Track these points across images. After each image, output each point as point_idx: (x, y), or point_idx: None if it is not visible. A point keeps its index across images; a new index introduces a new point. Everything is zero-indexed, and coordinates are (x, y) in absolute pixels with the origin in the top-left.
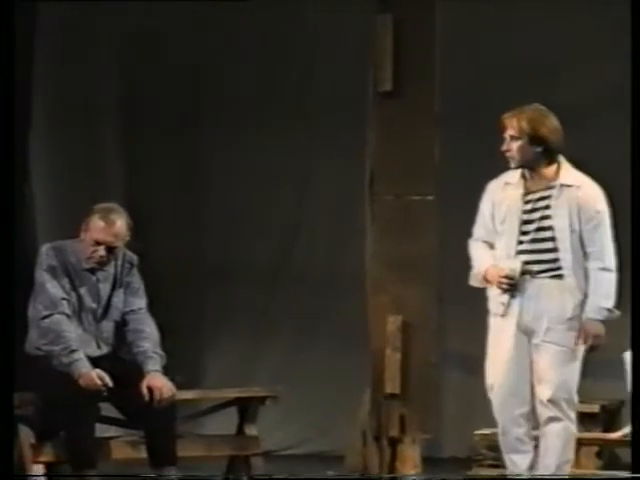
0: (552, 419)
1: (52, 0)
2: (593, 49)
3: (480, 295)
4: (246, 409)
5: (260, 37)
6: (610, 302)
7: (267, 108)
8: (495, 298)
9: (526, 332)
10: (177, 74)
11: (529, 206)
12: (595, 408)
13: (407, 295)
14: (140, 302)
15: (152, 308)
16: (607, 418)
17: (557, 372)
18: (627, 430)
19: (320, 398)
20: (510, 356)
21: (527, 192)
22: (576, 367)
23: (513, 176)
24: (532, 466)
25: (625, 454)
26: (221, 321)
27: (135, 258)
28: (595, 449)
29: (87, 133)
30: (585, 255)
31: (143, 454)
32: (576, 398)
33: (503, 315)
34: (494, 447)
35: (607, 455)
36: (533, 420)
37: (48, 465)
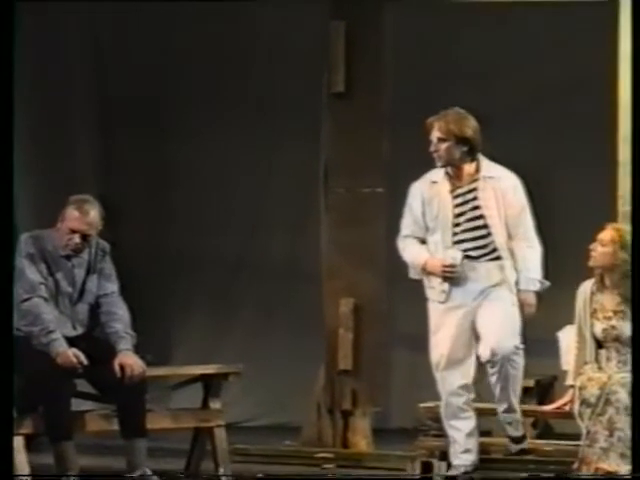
0: (499, 361)
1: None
2: (534, 51)
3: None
4: (210, 385)
5: (223, 40)
6: (539, 274)
7: (230, 107)
8: (436, 287)
9: (468, 312)
10: (145, 73)
11: (458, 200)
12: (530, 383)
13: (359, 280)
14: (112, 286)
15: (124, 292)
16: (541, 392)
17: (501, 327)
18: (560, 402)
19: (278, 374)
20: (454, 337)
21: (454, 188)
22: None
23: (437, 175)
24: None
25: (557, 425)
26: (188, 304)
27: (107, 246)
28: (531, 420)
29: (60, 130)
30: (510, 236)
31: (115, 426)
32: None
33: (444, 302)
34: (438, 418)
35: (542, 426)
36: (473, 391)
37: (27, 437)
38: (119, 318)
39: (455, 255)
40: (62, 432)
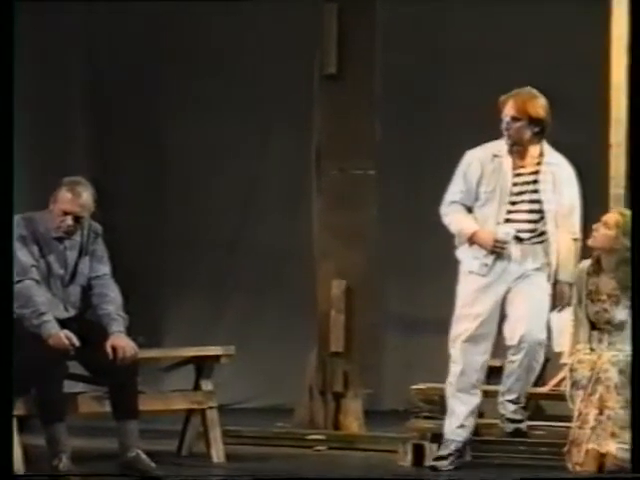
0: (525, 349)
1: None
2: (527, 34)
3: (418, 261)
4: (202, 367)
5: (215, 24)
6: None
7: (224, 90)
8: (479, 259)
9: (505, 291)
10: (139, 57)
11: (520, 179)
12: None
13: (351, 262)
14: (104, 268)
15: (116, 274)
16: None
17: (533, 317)
18: (555, 381)
19: (271, 357)
20: (487, 313)
21: (516, 166)
22: (546, 306)
23: (500, 149)
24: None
25: (548, 406)
26: (180, 287)
27: (100, 228)
28: None
29: (54, 117)
30: (557, 225)
31: (107, 408)
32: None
33: (484, 275)
34: (429, 400)
35: (533, 408)
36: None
37: (20, 419)
38: (111, 300)
39: (508, 231)
40: (54, 414)
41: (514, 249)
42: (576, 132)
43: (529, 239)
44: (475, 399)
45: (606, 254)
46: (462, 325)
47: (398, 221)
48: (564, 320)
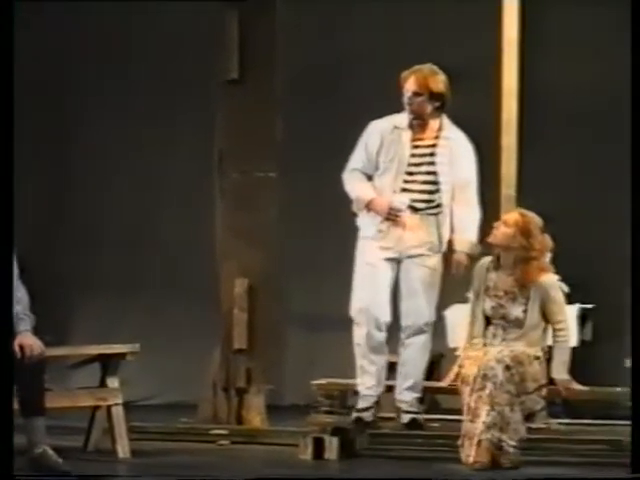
0: (418, 331)
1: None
2: (427, 36)
3: (319, 260)
4: (108, 364)
5: (118, 30)
6: (475, 237)
7: (128, 91)
8: (373, 225)
9: (400, 256)
10: (40, 59)
11: (418, 151)
12: None
13: (253, 261)
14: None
15: (22, 275)
16: (429, 369)
17: (425, 291)
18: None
19: (175, 354)
20: (382, 275)
21: (415, 139)
22: (437, 289)
23: (401, 121)
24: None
25: (442, 399)
26: (86, 285)
27: None
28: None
29: None
30: (454, 198)
31: (15, 405)
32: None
33: (378, 241)
34: (329, 395)
35: (428, 401)
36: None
37: None
38: (18, 300)
39: (403, 200)
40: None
41: (409, 218)
42: (469, 133)
43: (424, 209)
44: (383, 356)
45: (504, 251)
46: (363, 290)
47: (299, 221)
48: (458, 317)
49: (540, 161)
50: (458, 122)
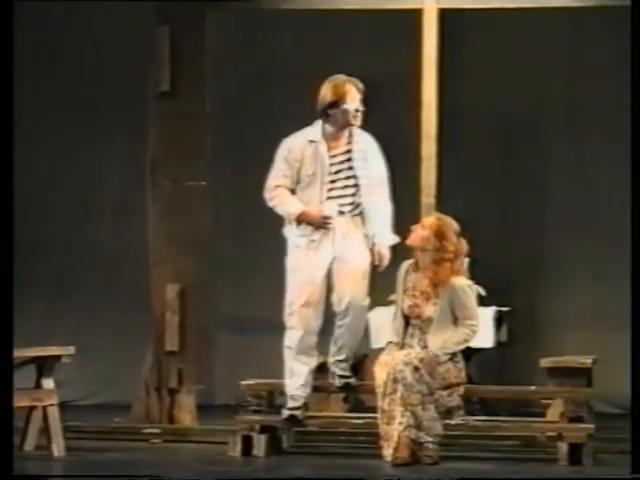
0: (350, 313)
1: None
2: (353, 51)
3: (249, 265)
4: (44, 366)
5: (51, 41)
6: (391, 230)
7: (63, 106)
8: (307, 235)
9: (332, 259)
10: None
11: (335, 159)
12: None
13: (184, 266)
14: None
15: None
16: (353, 369)
17: (357, 284)
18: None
19: (109, 356)
20: (318, 281)
21: (330, 148)
22: (367, 280)
23: (315, 135)
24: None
25: (367, 399)
26: (22, 288)
27: None
28: (342, 395)
29: None
30: (371, 196)
31: None
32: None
33: (312, 249)
34: (258, 395)
35: (352, 401)
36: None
37: None
38: None
39: (333, 207)
40: None
41: (337, 222)
42: (390, 145)
43: (350, 211)
44: (314, 360)
45: (421, 253)
46: (297, 296)
47: (229, 228)
48: (381, 319)
49: (458, 171)
50: (380, 134)
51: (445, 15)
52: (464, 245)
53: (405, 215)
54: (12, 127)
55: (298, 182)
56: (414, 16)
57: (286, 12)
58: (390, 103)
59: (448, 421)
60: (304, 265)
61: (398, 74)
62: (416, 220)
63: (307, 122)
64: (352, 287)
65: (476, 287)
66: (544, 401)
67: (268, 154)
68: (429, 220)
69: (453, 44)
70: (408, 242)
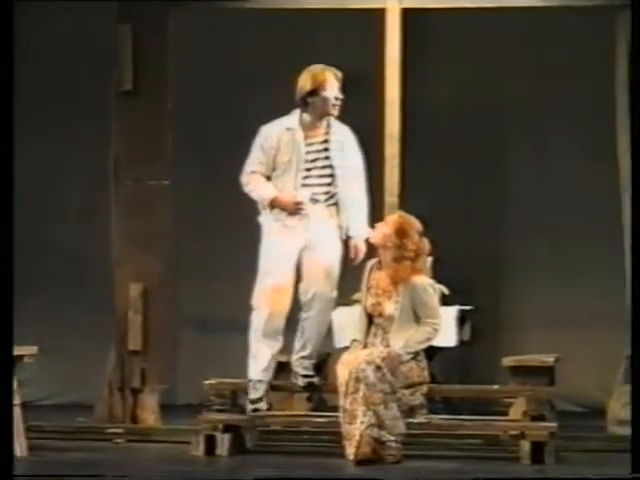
0: (315, 306)
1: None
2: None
3: (212, 265)
4: None
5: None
6: (366, 222)
7: (27, 107)
8: (281, 221)
9: (304, 246)
10: None
11: (312, 148)
12: None
13: (147, 266)
14: None
15: None
16: (316, 368)
17: (327, 275)
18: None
19: (72, 355)
20: (289, 267)
21: (307, 136)
22: (337, 271)
23: (291, 122)
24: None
25: (329, 398)
26: None
27: None
28: (306, 394)
29: None
30: (347, 187)
31: None
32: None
33: (285, 234)
34: (221, 394)
35: (316, 400)
36: None
37: None
38: None
39: (305, 194)
40: None
41: (311, 210)
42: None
43: (324, 200)
44: (278, 344)
45: (383, 250)
46: (268, 278)
47: (192, 227)
48: (344, 318)
49: (421, 170)
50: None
51: (408, 15)
52: (426, 244)
53: (369, 214)
54: (12, 126)
55: (274, 169)
56: (377, 16)
57: (249, 12)
58: (353, 102)
59: (411, 420)
60: (277, 249)
61: (361, 73)
62: (379, 219)
63: (271, 121)
64: (320, 277)
65: (439, 286)
66: (507, 400)
67: (231, 153)
68: (392, 218)
69: (416, 43)
70: (371, 239)
